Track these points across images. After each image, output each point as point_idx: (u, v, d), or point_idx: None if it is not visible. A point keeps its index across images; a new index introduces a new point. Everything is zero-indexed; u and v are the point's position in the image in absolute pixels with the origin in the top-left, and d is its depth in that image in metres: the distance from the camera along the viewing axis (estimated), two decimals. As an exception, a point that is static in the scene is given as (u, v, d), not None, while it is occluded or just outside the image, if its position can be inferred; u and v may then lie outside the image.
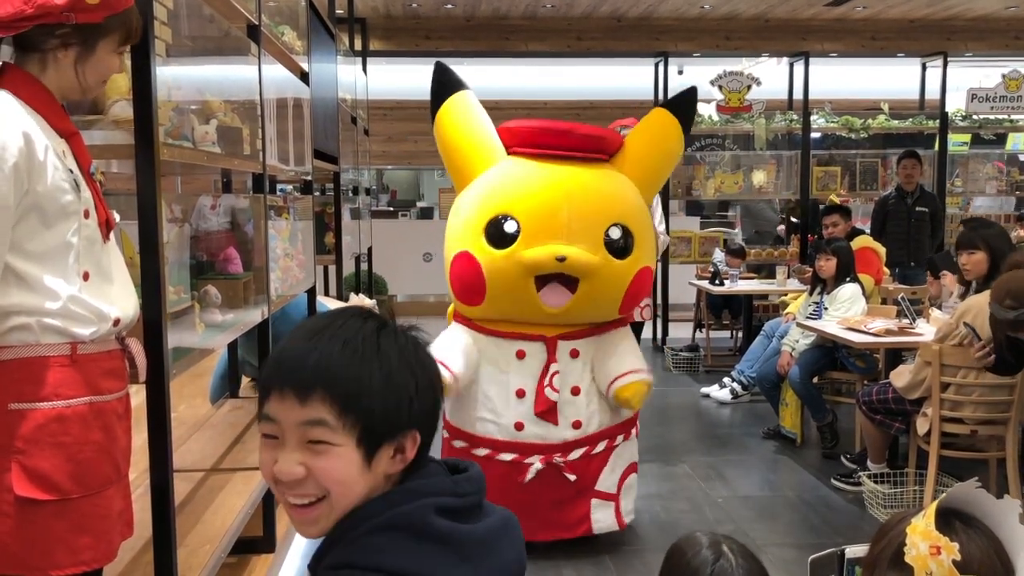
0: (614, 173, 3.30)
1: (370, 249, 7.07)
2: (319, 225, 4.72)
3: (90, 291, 1.60)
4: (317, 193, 5.06)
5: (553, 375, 3.19)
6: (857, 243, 5.46)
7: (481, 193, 3.24)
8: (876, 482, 3.87)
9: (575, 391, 3.24)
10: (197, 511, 2.53)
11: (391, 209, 11.01)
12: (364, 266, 6.75)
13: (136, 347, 1.74)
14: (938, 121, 7.57)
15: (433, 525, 1.00)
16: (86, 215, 1.60)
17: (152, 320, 1.83)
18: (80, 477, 1.57)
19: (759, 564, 1.29)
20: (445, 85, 3.32)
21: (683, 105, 3.42)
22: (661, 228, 4.97)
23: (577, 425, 3.24)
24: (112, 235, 1.71)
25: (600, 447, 3.30)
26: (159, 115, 1.82)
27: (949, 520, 1.14)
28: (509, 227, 3.10)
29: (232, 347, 3.58)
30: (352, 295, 4.55)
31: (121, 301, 1.68)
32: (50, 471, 1.53)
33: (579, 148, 3.23)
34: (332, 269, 5.33)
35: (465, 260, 3.17)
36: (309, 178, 3.83)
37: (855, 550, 1.39)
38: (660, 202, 5.05)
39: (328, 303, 4.15)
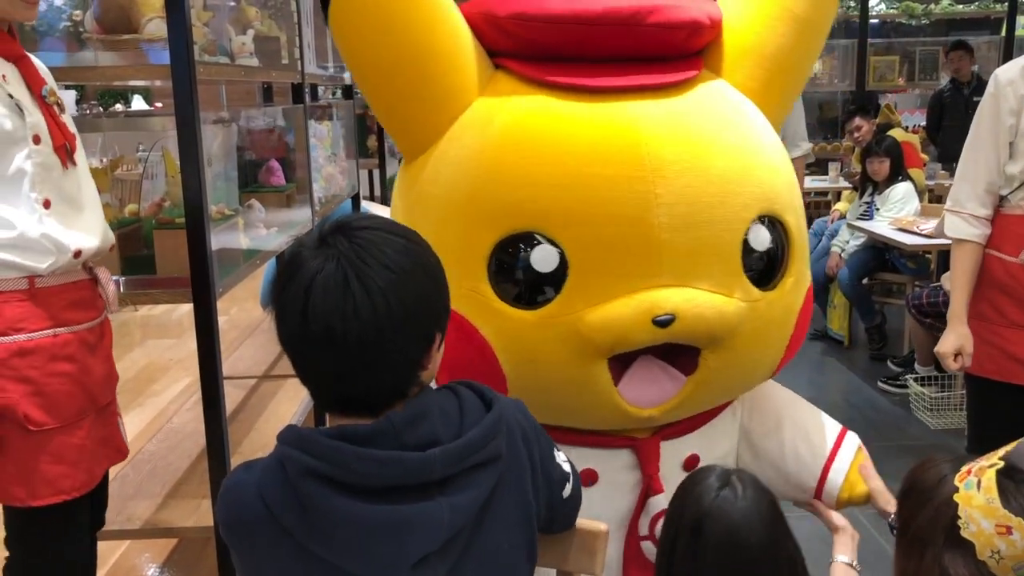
0: (722, 91, 1.55)
1: (414, 149, 7.00)
2: (361, 128, 4.69)
3: (54, 219, 1.57)
4: (358, 94, 5.00)
5: (657, 517, 1.55)
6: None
7: (466, 179, 1.46)
8: (922, 385, 3.85)
9: None
10: (251, 418, 2.61)
11: (435, 105, 10.85)
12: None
13: (104, 276, 1.71)
14: (1006, 4, 7.18)
15: (297, 485, 0.98)
16: (36, 140, 1.55)
17: (196, 234, 1.83)
18: (51, 408, 1.57)
19: (769, 498, 1.23)
20: None
21: None
22: (807, 145, 3.32)
23: None
24: (79, 160, 1.66)
25: None
26: (194, 31, 1.80)
27: (1006, 488, 1.03)
28: (542, 259, 1.41)
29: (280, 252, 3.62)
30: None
31: (88, 230, 1.64)
32: (17, 404, 1.54)
33: (658, 50, 1.50)
34: (376, 173, 5.31)
35: (456, 332, 1.24)
36: (349, 82, 3.78)
37: None
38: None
39: (373, 208, 4.15)
